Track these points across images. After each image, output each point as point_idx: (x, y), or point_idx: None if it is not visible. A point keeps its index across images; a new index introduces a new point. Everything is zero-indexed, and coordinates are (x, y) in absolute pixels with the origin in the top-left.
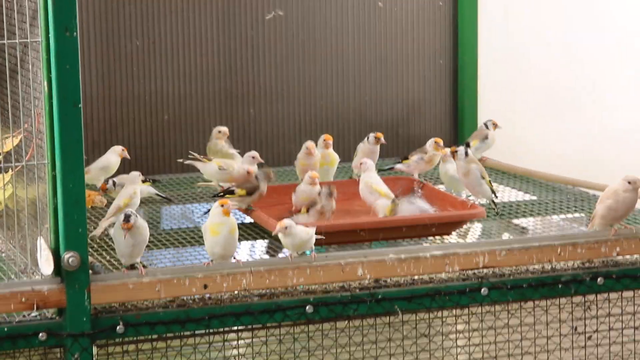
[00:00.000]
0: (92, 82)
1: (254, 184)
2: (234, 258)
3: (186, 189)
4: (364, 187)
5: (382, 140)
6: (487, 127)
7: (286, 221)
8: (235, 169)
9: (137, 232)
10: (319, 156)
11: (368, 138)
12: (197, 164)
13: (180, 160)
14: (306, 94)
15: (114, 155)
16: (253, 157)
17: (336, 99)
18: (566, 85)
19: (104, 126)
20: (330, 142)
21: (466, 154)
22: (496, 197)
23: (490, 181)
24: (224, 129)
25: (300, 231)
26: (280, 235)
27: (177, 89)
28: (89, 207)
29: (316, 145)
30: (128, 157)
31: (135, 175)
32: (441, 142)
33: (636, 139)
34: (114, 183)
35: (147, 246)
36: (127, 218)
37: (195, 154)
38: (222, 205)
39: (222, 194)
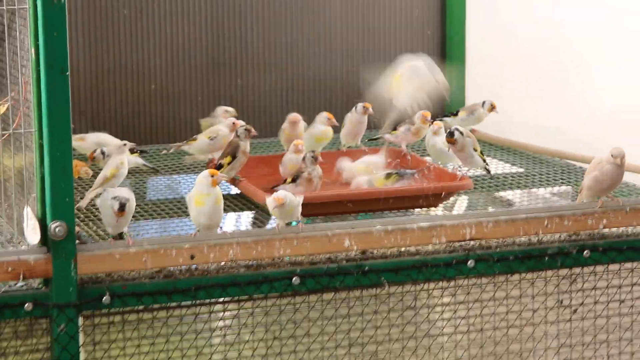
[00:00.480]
0: (79, 51)
1: (234, 144)
2: (220, 228)
3: (173, 160)
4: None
5: (371, 110)
6: (482, 105)
7: (281, 193)
8: (223, 130)
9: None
10: (303, 127)
11: (356, 108)
12: (185, 148)
13: (165, 151)
14: (293, 64)
15: (113, 139)
16: (226, 111)
17: (323, 69)
18: (554, 60)
19: (91, 95)
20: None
21: (461, 133)
22: (487, 164)
23: (482, 152)
24: (232, 110)
25: (290, 197)
26: (268, 202)
27: (164, 59)
28: (75, 178)
29: (307, 120)
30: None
31: (121, 145)
32: (429, 116)
33: (622, 114)
34: (103, 152)
35: (134, 217)
36: (122, 207)
37: (176, 143)
38: (212, 176)
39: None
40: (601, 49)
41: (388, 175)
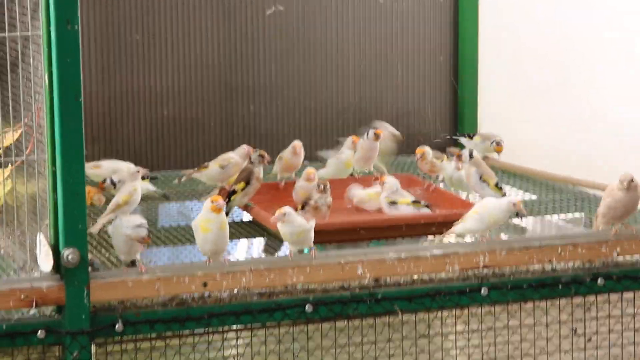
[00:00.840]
0: (92, 76)
1: (248, 170)
2: (228, 253)
3: (185, 186)
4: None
5: (382, 136)
6: (491, 143)
7: (285, 208)
8: (234, 158)
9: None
10: (302, 156)
11: (367, 134)
12: (196, 176)
13: (176, 180)
14: (306, 90)
15: (128, 165)
16: (249, 152)
17: (336, 95)
18: (569, 85)
19: (104, 121)
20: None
21: (470, 156)
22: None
23: (496, 184)
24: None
25: (299, 220)
26: (279, 225)
27: (176, 84)
28: (88, 204)
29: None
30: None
31: (134, 171)
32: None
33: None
34: (113, 182)
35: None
36: (148, 233)
37: (188, 170)
38: (212, 202)
39: (227, 199)
40: (615, 74)
41: (415, 202)
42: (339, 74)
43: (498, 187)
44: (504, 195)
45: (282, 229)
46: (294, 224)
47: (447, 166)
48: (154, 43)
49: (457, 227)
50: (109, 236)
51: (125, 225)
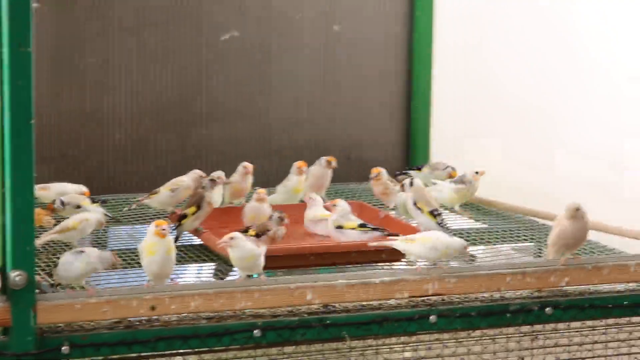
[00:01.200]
0: (44, 99)
1: (199, 195)
2: (171, 279)
3: (135, 209)
4: (308, 223)
5: (334, 164)
6: (444, 169)
7: (233, 233)
8: (185, 181)
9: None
10: (251, 179)
11: (320, 161)
12: (146, 202)
13: (127, 208)
14: (261, 116)
15: (76, 189)
16: (201, 176)
17: (290, 121)
18: (520, 115)
19: (55, 142)
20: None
21: (411, 184)
22: (440, 225)
23: (431, 212)
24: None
25: (249, 245)
26: (229, 250)
27: (130, 108)
28: (37, 226)
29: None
30: (89, 201)
31: (81, 194)
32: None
33: (588, 172)
34: (62, 202)
35: None
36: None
37: (138, 198)
38: (156, 226)
39: (177, 223)
40: (572, 104)
41: (362, 226)
42: (292, 100)
43: (433, 214)
44: (439, 223)
45: (232, 253)
46: (243, 249)
47: (400, 194)
48: (107, 66)
49: (401, 245)
50: (58, 258)
51: (86, 261)
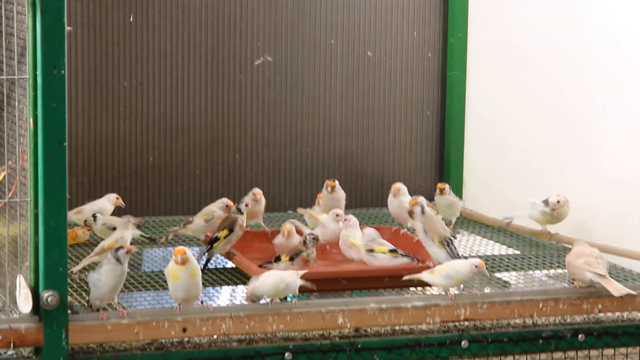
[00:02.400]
0: (78, 121)
1: (232, 218)
2: (201, 302)
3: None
4: (342, 243)
5: (334, 188)
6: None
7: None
8: (217, 211)
9: (121, 273)
10: (263, 203)
11: (325, 188)
12: (182, 232)
13: (163, 239)
14: (292, 141)
15: (108, 203)
16: (227, 206)
17: (322, 146)
18: (553, 142)
19: (89, 166)
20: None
21: (422, 211)
22: (454, 256)
23: (442, 241)
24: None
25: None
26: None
27: (162, 131)
28: (72, 242)
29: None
30: (123, 205)
31: (125, 220)
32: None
33: (622, 197)
34: (94, 216)
35: (128, 288)
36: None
37: (174, 228)
38: (175, 255)
39: (209, 246)
40: (605, 129)
41: (392, 252)
42: (325, 126)
43: (443, 243)
44: (448, 252)
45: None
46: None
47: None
48: (141, 90)
49: (427, 277)
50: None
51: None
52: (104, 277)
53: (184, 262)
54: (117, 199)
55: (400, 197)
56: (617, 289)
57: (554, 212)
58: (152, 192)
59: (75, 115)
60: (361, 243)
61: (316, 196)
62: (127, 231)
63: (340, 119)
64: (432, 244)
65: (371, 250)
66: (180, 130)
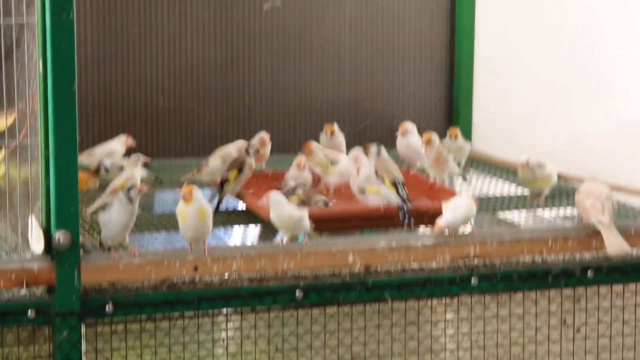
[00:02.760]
0: (88, 65)
1: (241, 159)
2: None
3: (180, 174)
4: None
5: (333, 133)
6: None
7: (272, 193)
8: (234, 152)
9: (132, 212)
10: (269, 146)
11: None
12: (196, 177)
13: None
14: (302, 85)
15: (119, 144)
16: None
17: (331, 90)
18: (563, 82)
19: (99, 110)
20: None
21: (378, 153)
22: (402, 200)
23: (392, 181)
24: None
25: (286, 206)
26: (270, 211)
27: (172, 76)
28: (82, 189)
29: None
30: (134, 145)
31: (134, 159)
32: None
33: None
34: (106, 168)
35: (140, 229)
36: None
37: (187, 175)
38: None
39: (219, 187)
40: (613, 69)
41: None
42: (334, 69)
43: (393, 184)
44: (398, 193)
45: (271, 213)
46: (283, 210)
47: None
48: (151, 35)
49: (441, 221)
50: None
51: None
52: (115, 216)
53: (187, 198)
54: (127, 138)
55: (408, 137)
56: (613, 244)
57: (529, 173)
58: (162, 136)
59: (85, 59)
60: (355, 182)
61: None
62: (136, 169)
63: (350, 62)
64: (382, 184)
65: (362, 191)
66: (190, 74)
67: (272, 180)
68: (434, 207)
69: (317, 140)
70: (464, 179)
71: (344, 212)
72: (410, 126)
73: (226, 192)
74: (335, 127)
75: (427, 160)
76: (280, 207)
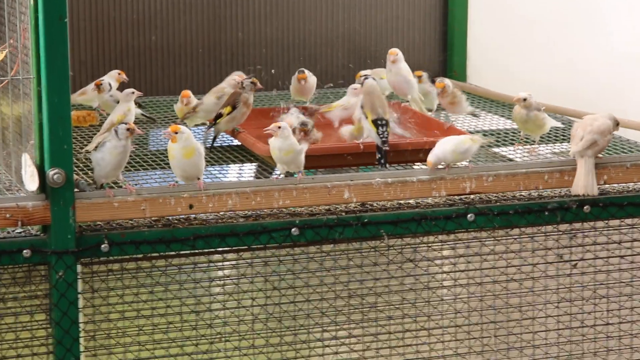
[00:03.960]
0: (80, 1)
1: (236, 95)
2: (198, 179)
3: (174, 111)
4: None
5: (304, 78)
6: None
7: (282, 123)
8: (227, 88)
9: (124, 150)
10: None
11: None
12: (191, 117)
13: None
14: (295, 18)
15: (111, 80)
16: (238, 76)
17: (325, 23)
18: (559, 14)
19: (91, 46)
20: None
21: (362, 83)
22: (381, 141)
23: (375, 120)
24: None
25: (292, 139)
26: (270, 139)
27: (165, 10)
28: (89, 124)
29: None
30: (126, 79)
31: (129, 92)
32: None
33: (623, 74)
34: (110, 84)
35: (134, 167)
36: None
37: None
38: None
39: (213, 122)
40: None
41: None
42: (328, 2)
43: (375, 123)
44: (379, 134)
45: (272, 143)
46: (286, 141)
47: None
48: None
49: (430, 156)
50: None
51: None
52: (107, 154)
53: (173, 138)
54: (120, 74)
55: (398, 64)
56: (576, 183)
57: (523, 112)
58: (156, 72)
59: None
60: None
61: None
62: (130, 103)
63: None
64: (365, 120)
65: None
66: (182, 8)
67: (266, 116)
68: (414, 143)
69: (317, 74)
70: (475, 116)
71: (331, 148)
72: (399, 52)
73: (219, 128)
74: (307, 72)
75: (418, 93)
76: (285, 137)
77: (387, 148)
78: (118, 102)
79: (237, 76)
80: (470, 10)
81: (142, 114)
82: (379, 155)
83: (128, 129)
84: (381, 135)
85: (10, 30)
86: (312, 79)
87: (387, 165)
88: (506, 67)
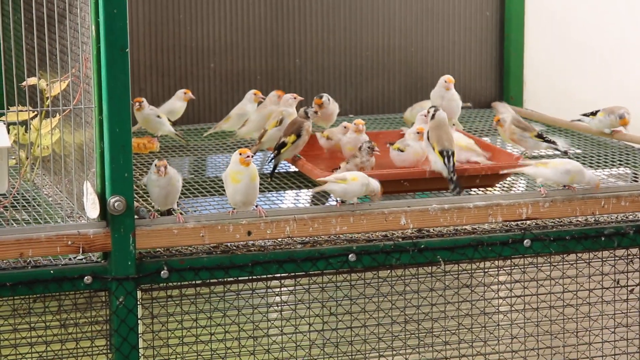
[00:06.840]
0: (139, 28)
1: (299, 123)
2: (255, 206)
3: (227, 138)
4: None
5: (323, 105)
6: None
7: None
8: (285, 110)
9: (170, 181)
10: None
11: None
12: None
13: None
14: (352, 44)
15: (178, 100)
16: (294, 98)
17: (382, 49)
18: (615, 38)
19: (150, 73)
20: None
21: (433, 116)
22: (449, 171)
23: (441, 152)
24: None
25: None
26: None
27: (223, 37)
28: (149, 151)
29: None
30: (193, 97)
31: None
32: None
33: None
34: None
35: (192, 193)
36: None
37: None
38: (240, 154)
39: (276, 152)
40: None
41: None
42: (385, 27)
43: (442, 154)
44: (446, 165)
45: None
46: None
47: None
48: None
49: (532, 170)
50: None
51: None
52: (151, 187)
53: (249, 162)
54: (185, 93)
55: (452, 90)
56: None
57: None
58: (214, 98)
59: (137, 22)
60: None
61: (379, 100)
62: (181, 103)
63: (400, 21)
64: (432, 151)
65: (401, 150)
66: (241, 35)
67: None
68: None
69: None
70: (565, 154)
71: (394, 174)
72: (502, 115)
73: (283, 157)
74: (325, 98)
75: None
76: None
77: (455, 177)
78: (157, 116)
79: (276, 96)
80: (527, 35)
81: (176, 134)
82: (451, 186)
83: (158, 170)
84: (447, 166)
85: (72, 60)
86: (331, 107)
87: (461, 193)
88: (563, 91)
